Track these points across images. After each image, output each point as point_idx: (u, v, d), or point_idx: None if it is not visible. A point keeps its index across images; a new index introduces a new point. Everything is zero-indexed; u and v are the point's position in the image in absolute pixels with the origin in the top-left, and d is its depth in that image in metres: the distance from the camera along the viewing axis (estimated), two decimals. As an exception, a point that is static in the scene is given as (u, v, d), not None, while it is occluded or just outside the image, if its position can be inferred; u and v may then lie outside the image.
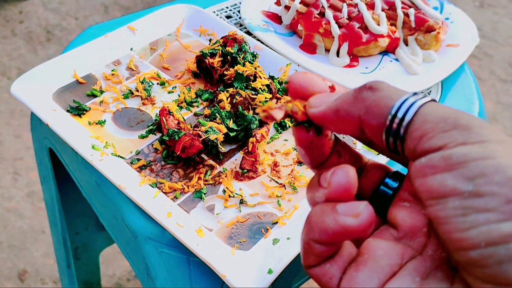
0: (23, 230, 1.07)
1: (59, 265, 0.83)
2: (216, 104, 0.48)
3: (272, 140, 0.48)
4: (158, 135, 0.47)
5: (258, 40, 0.59)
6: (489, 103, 1.52)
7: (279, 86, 0.51)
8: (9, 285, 0.98)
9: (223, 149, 0.46)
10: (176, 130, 0.44)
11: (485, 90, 1.56)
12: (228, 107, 0.48)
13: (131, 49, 0.55)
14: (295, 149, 0.48)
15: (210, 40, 0.56)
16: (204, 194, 0.43)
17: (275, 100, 0.50)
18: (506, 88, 1.58)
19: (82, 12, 1.66)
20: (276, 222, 0.41)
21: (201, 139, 0.44)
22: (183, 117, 0.47)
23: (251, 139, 0.45)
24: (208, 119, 0.47)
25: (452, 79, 0.59)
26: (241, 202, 0.43)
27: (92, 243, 0.82)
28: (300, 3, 0.60)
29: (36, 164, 0.65)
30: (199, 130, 0.45)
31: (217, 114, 0.47)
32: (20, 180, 1.16)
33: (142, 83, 0.51)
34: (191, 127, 0.46)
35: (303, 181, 0.45)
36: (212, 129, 0.45)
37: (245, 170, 0.45)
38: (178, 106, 0.50)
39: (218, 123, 0.46)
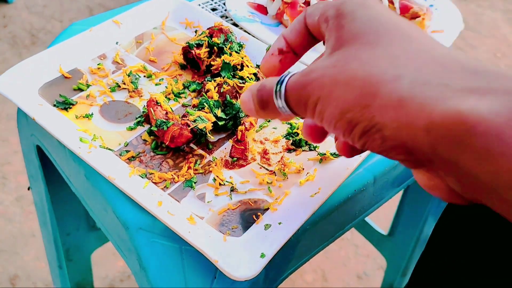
0: (13, 235, 1.06)
1: (50, 266, 0.82)
2: (204, 94, 0.48)
3: (261, 129, 0.48)
4: (147, 126, 0.47)
5: (245, 31, 0.59)
6: (475, 94, 1.53)
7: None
8: (1, 290, 0.97)
9: (212, 138, 0.46)
10: (164, 120, 0.44)
11: (471, 81, 1.57)
12: (216, 96, 0.48)
13: (117, 43, 0.55)
14: (284, 136, 0.48)
15: (195, 32, 0.56)
16: (195, 183, 0.43)
17: None
18: (492, 79, 1.60)
19: (67, 14, 1.65)
20: (267, 208, 0.41)
21: (189, 128, 0.44)
22: (171, 108, 0.46)
23: (240, 127, 0.45)
24: (196, 109, 0.47)
25: (438, 65, 0.59)
26: (232, 189, 0.43)
27: (84, 244, 0.81)
28: (285, -7, 0.60)
29: (24, 168, 0.64)
30: (188, 120, 0.44)
31: (205, 104, 0.47)
32: (8, 184, 1.15)
33: (128, 76, 0.51)
34: (180, 117, 0.46)
35: (293, 168, 0.45)
36: (201, 118, 0.45)
37: (235, 159, 0.45)
38: (166, 97, 0.50)
39: (207, 113, 0.46)
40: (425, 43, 0.26)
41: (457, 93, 0.22)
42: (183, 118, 0.45)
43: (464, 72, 0.23)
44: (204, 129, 0.44)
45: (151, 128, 0.45)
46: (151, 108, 0.45)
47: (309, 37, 0.35)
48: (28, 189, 0.68)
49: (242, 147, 0.45)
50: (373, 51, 0.26)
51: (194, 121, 0.44)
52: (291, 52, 0.36)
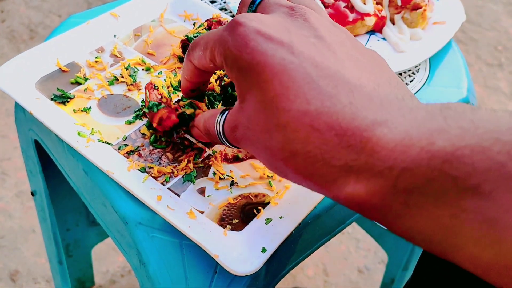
0: (13, 230, 1.05)
1: (50, 262, 0.82)
2: None
3: None
4: (145, 120, 0.47)
5: (244, 23, 0.58)
6: (476, 87, 1.53)
7: None
8: (1, 285, 0.96)
9: None
10: (156, 103, 0.43)
11: (472, 75, 1.57)
12: (217, 89, 0.47)
13: (115, 36, 0.54)
14: None
15: (194, 24, 0.55)
16: (194, 177, 0.42)
17: None
18: (493, 72, 1.59)
19: (65, 9, 1.64)
20: (268, 202, 0.41)
21: (177, 112, 0.43)
22: (169, 94, 0.45)
23: None
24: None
25: (440, 56, 0.58)
26: (232, 183, 0.42)
27: (84, 239, 0.81)
28: (284, -15, 0.59)
29: (24, 164, 0.64)
30: (178, 105, 0.44)
31: (206, 97, 0.46)
32: (8, 180, 1.14)
33: (127, 69, 0.50)
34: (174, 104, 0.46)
35: (294, 161, 0.44)
36: (191, 104, 0.44)
37: (239, 155, 0.44)
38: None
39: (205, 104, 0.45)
40: (301, 97, 0.26)
41: (340, 174, 0.24)
42: (175, 103, 0.45)
43: (339, 145, 0.24)
44: (192, 115, 0.43)
45: (144, 109, 0.45)
46: (146, 90, 0.44)
47: (205, 73, 0.37)
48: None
49: (236, 152, 0.45)
50: (266, 116, 0.27)
51: (184, 106, 0.44)
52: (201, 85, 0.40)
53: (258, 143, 0.28)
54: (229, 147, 0.35)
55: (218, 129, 0.34)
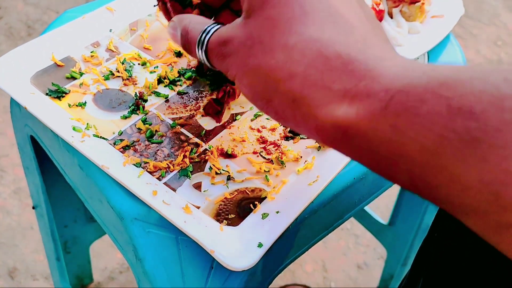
0: (11, 227, 1.05)
1: (49, 259, 0.81)
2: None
3: (256, 117, 0.47)
4: (141, 115, 0.46)
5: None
6: (476, 82, 1.52)
7: None
8: (0, 283, 0.96)
9: None
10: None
11: (471, 70, 1.56)
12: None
13: (110, 31, 0.54)
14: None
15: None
16: (190, 172, 0.42)
17: None
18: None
19: (63, 5, 1.63)
20: (265, 197, 0.41)
21: None
22: None
23: (224, 88, 0.45)
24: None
25: (438, 51, 0.58)
26: (229, 178, 0.42)
27: (82, 236, 0.81)
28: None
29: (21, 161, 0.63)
30: None
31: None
32: (6, 177, 1.14)
33: (122, 63, 0.50)
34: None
35: (291, 156, 0.44)
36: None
37: (229, 151, 0.44)
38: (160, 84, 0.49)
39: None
40: (317, 25, 0.26)
41: (335, 98, 0.24)
42: None
43: (343, 70, 0.24)
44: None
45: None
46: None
47: None
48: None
49: (218, 108, 0.44)
50: (274, 34, 0.26)
51: None
52: None
53: (249, 61, 0.27)
54: (201, 60, 0.33)
55: (202, 38, 0.31)
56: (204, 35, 0.31)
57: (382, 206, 1.11)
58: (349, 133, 0.23)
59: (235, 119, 0.47)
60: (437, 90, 0.21)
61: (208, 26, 0.31)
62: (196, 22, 0.33)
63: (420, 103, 0.21)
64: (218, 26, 0.31)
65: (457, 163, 0.19)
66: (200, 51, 0.32)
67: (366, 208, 0.91)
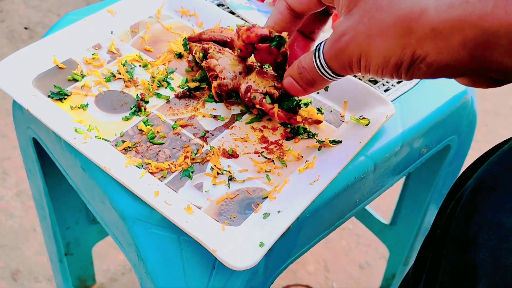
0: (14, 230, 1.05)
1: (51, 261, 0.82)
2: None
3: (252, 122, 0.47)
4: (142, 116, 0.47)
5: (242, 19, 0.58)
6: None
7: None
8: (3, 285, 0.97)
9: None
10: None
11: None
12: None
13: (112, 33, 0.54)
14: (282, 124, 0.47)
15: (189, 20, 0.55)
16: (192, 172, 0.42)
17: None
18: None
19: (64, 8, 1.64)
20: (266, 197, 0.41)
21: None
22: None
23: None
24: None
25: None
26: (230, 178, 0.42)
27: (84, 238, 0.81)
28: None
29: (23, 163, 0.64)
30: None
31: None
32: (8, 179, 1.14)
33: (124, 65, 0.50)
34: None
35: (292, 156, 0.44)
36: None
37: (230, 151, 0.44)
38: (159, 86, 0.49)
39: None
40: None
41: (477, 4, 0.26)
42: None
43: None
44: (282, 41, 0.41)
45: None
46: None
47: (294, 20, 0.39)
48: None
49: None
50: None
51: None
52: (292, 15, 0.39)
53: (372, 29, 0.29)
54: (328, 77, 0.35)
55: (317, 56, 0.34)
56: (317, 53, 0.34)
57: (383, 206, 1.11)
58: (500, 32, 0.25)
59: (236, 120, 0.47)
60: None
61: (316, 46, 0.35)
62: (303, 57, 0.37)
63: None
64: (323, 42, 0.34)
65: None
66: (321, 67, 0.34)
67: (368, 208, 0.91)
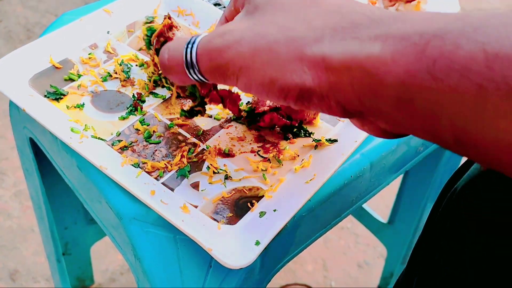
0: (12, 230, 1.05)
1: (49, 261, 0.82)
2: None
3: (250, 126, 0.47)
4: (139, 116, 0.47)
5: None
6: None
7: None
8: (1, 285, 0.97)
9: None
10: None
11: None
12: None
13: (108, 32, 0.54)
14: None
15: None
16: (188, 171, 0.42)
17: None
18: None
19: (62, 8, 1.64)
20: (262, 196, 0.41)
21: None
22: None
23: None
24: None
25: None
26: (226, 177, 0.42)
27: (82, 238, 0.81)
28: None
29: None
30: None
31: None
32: (6, 180, 1.14)
33: (120, 65, 0.50)
34: None
35: (287, 154, 0.44)
36: None
37: (226, 150, 0.44)
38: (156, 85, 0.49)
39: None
40: (333, 3, 0.27)
41: (367, 44, 0.24)
42: None
43: (370, 23, 0.25)
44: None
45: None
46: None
47: None
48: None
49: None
50: (288, 16, 0.26)
51: None
52: None
53: (263, 39, 0.26)
54: (193, 76, 0.30)
55: (190, 46, 0.29)
56: (191, 44, 0.29)
57: (381, 205, 1.11)
58: (386, 81, 0.22)
59: (233, 119, 0.47)
60: (472, 35, 0.20)
61: (192, 37, 0.29)
62: (177, 40, 0.31)
63: (456, 48, 0.20)
64: (204, 34, 0.29)
65: (499, 118, 0.18)
66: (189, 58, 0.29)
67: (366, 207, 0.91)
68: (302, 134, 0.46)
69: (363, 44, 0.24)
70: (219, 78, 0.28)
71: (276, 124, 0.45)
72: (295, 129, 0.46)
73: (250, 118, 0.45)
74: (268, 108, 0.44)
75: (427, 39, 0.21)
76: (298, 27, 0.26)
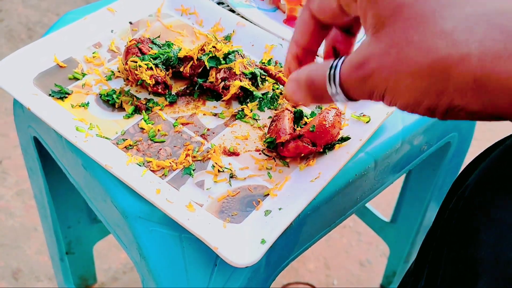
0: (15, 229, 1.05)
1: (52, 260, 0.82)
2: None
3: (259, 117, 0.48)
4: (143, 115, 0.47)
5: (242, 17, 0.58)
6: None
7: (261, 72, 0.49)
8: (4, 284, 0.97)
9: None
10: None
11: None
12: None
13: (112, 31, 0.54)
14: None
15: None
16: (193, 170, 0.42)
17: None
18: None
19: (63, 7, 1.64)
20: (267, 194, 0.41)
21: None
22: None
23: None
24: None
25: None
26: (231, 176, 0.42)
27: (85, 237, 0.81)
28: (281, -23, 0.59)
29: (24, 163, 0.64)
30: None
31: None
32: (9, 179, 1.14)
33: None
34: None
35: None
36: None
37: (231, 149, 0.44)
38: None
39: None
40: (474, 1, 0.24)
41: None
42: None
43: None
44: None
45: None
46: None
47: (321, 31, 0.34)
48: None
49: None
50: (423, 29, 0.24)
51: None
52: (309, 54, 0.35)
53: (401, 67, 0.25)
54: (339, 100, 0.31)
55: (332, 74, 0.29)
56: (332, 70, 0.29)
57: (384, 204, 1.11)
58: None
59: (237, 118, 0.47)
60: None
61: (333, 62, 0.30)
62: (315, 69, 0.31)
63: None
64: (342, 58, 0.29)
65: None
66: (334, 88, 0.29)
67: (368, 205, 0.91)
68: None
69: None
70: (365, 97, 0.29)
71: (302, 152, 0.42)
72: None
73: (272, 149, 0.44)
74: (290, 136, 0.42)
75: None
76: (437, 43, 0.24)
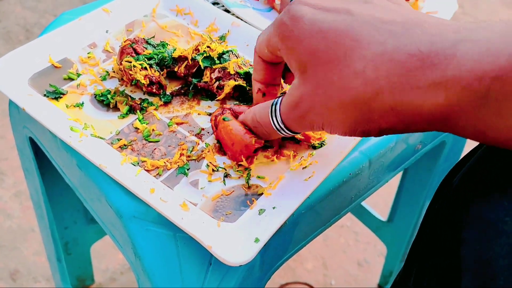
0: (12, 230, 1.05)
1: (50, 260, 0.82)
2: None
3: None
4: (138, 114, 0.47)
5: (237, 17, 0.58)
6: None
7: None
8: (1, 285, 0.97)
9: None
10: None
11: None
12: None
13: (107, 32, 0.54)
14: None
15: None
16: (188, 169, 0.42)
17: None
18: (490, 63, 1.58)
19: (61, 8, 1.64)
20: (262, 193, 0.41)
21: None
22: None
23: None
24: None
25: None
26: (226, 175, 0.42)
27: (82, 237, 0.81)
28: (276, -22, 0.59)
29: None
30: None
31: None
32: (6, 180, 1.14)
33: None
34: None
35: (288, 152, 0.44)
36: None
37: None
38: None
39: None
40: (374, 40, 0.27)
41: (428, 93, 0.25)
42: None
43: (422, 65, 0.25)
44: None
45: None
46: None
47: (273, 67, 0.38)
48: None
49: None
50: (339, 70, 0.28)
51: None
52: (270, 86, 0.40)
53: (330, 104, 0.29)
54: (285, 134, 0.36)
55: (273, 112, 0.35)
56: (273, 109, 0.35)
57: (381, 203, 1.12)
58: (459, 124, 0.25)
59: None
60: None
61: (273, 102, 0.35)
62: (260, 108, 0.37)
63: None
64: (278, 99, 0.34)
65: None
66: (277, 124, 0.35)
67: (365, 205, 0.91)
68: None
69: (426, 94, 0.25)
70: (308, 130, 0.34)
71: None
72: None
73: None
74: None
75: (487, 85, 0.23)
76: (353, 83, 0.27)
